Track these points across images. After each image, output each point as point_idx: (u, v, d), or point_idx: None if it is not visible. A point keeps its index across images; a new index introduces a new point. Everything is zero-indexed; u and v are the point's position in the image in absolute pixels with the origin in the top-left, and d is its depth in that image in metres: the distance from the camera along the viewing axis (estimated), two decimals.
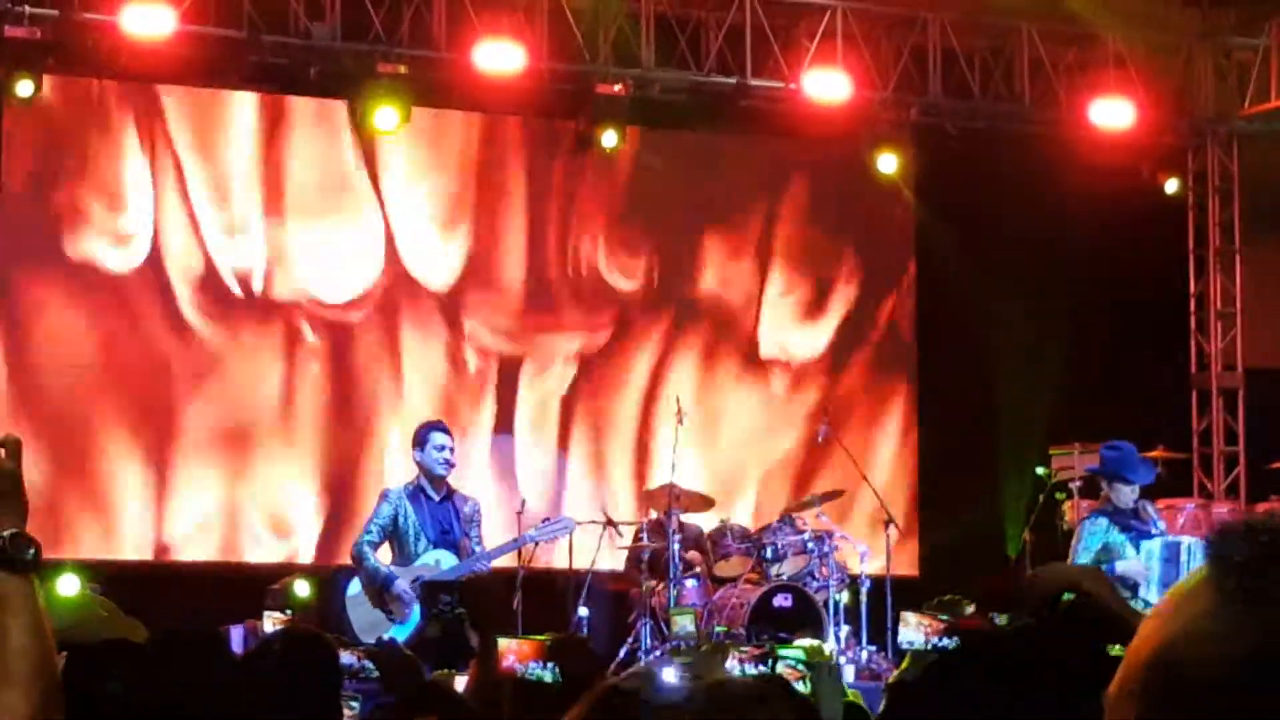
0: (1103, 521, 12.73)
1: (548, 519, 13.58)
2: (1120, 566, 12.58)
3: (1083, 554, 12.71)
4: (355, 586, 12.46)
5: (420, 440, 12.59)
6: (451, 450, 12.58)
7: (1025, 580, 12.94)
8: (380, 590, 12.33)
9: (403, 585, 12.23)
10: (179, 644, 3.77)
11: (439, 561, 12.34)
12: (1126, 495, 12.77)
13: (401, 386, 15.85)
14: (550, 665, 6.21)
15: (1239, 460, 17.28)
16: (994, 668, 3.37)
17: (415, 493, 12.48)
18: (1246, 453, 17.20)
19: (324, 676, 4.14)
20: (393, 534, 12.46)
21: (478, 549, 12.47)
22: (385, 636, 12.06)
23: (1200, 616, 1.47)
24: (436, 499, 12.50)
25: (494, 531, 13.89)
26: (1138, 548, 12.64)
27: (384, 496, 12.64)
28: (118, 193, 15.10)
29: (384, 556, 12.47)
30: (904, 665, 11.94)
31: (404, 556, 12.41)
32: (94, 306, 15.01)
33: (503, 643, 11.38)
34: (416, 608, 12.25)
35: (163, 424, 15.16)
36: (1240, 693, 1.42)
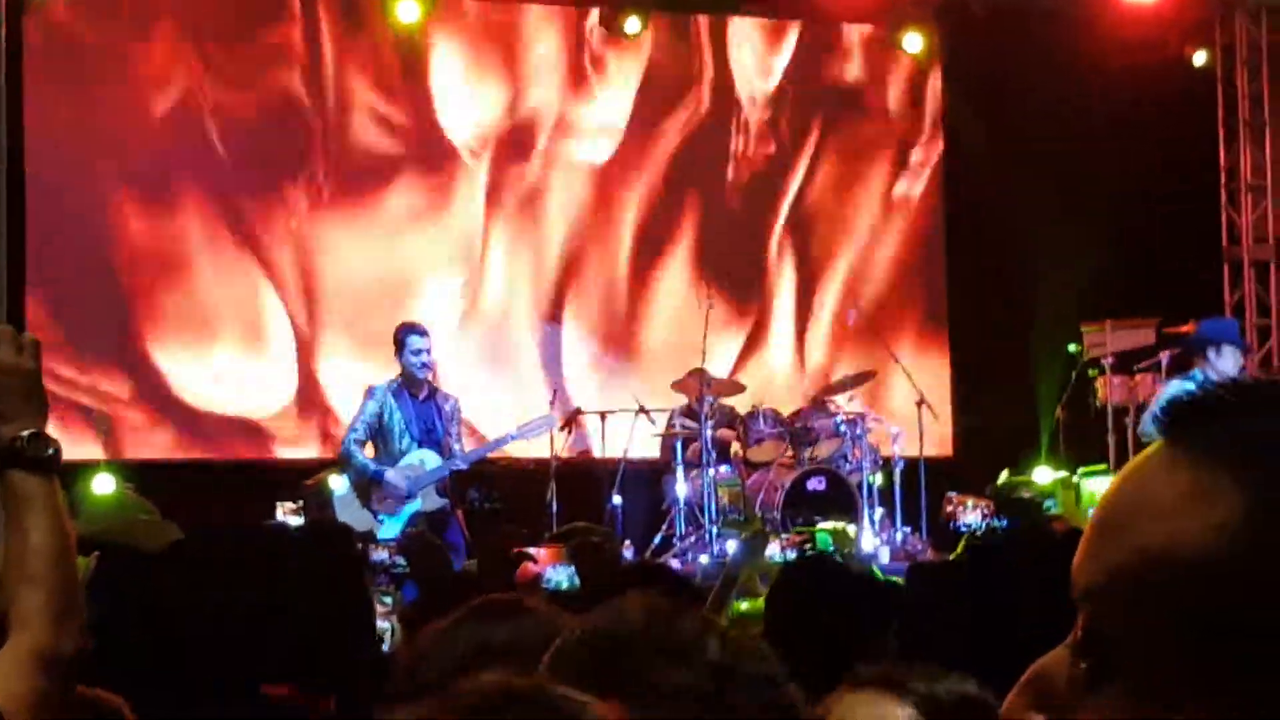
0: (1190, 386, 12.15)
1: (545, 416, 13.52)
2: None
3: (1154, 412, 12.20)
4: (343, 486, 12.51)
5: (399, 342, 12.61)
6: (428, 352, 12.59)
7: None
8: (368, 486, 12.38)
9: (394, 476, 12.27)
10: (203, 546, 3.79)
11: (423, 461, 12.41)
12: (1233, 363, 12.16)
13: (442, 273, 15.80)
14: (569, 570, 6.22)
15: (1271, 332, 17.22)
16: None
17: (400, 390, 12.53)
18: (1279, 324, 17.14)
19: (346, 569, 4.14)
20: (378, 431, 12.51)
21: (457, 446, 12.53)
22: (406, 530, 12.10)
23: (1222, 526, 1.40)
24: (420, 397, 12.54)
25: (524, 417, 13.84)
26: None
27: (369, 393, 12.67)
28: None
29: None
30: (959, 550, 11.95)
31: (389, 453, 12.47)
32: (131, 192, 14.97)
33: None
34: (406, 504, 12.32)
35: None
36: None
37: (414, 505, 12.36)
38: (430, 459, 12.42)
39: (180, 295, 15.02)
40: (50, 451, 2.86)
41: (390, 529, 12.26)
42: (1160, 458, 1.44)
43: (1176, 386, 12.32)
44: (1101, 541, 1.44)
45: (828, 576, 4.98)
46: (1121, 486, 1.46)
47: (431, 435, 12.49)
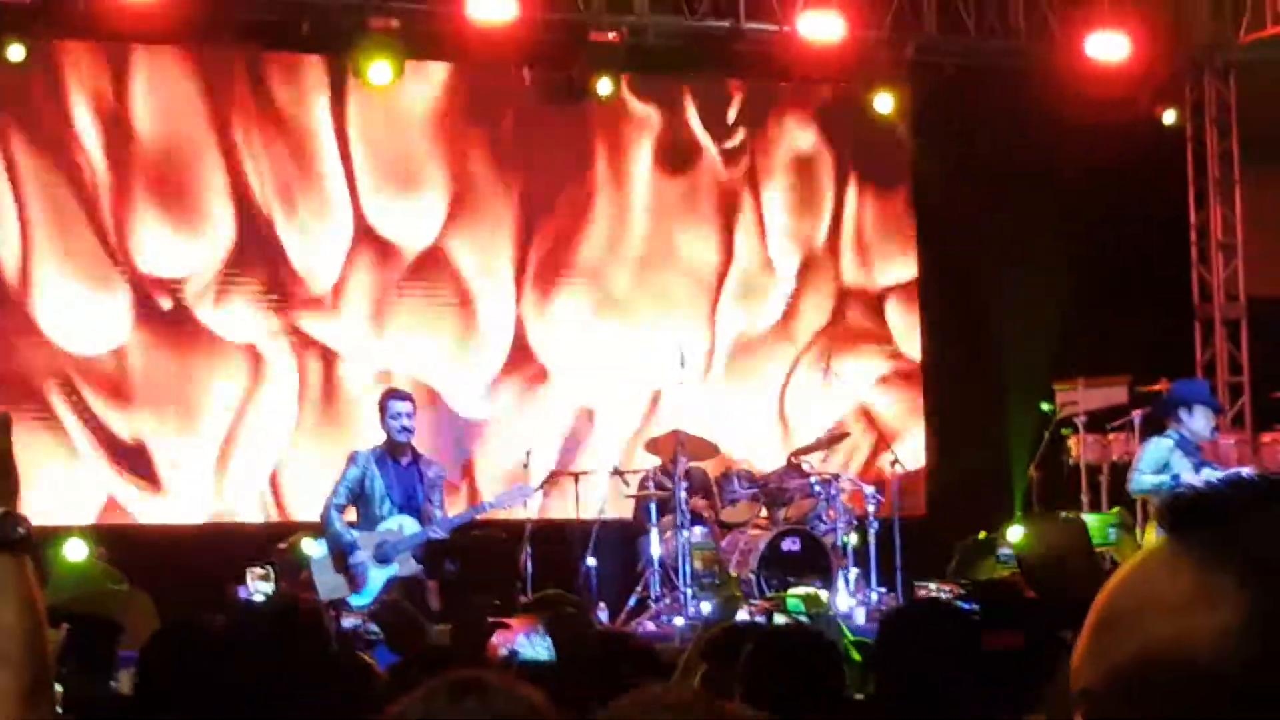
0: (1169, 442, 12.21)
1: (523, 485, 13.62)
2: (1185, 477, 12.25)
3: (1145, 467, 12.24)
4: (321, 549, 12.52)
5: (381, 408, 12.68)
6: (409, 416, 12.63)
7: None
8: (342, 556, 12.41)
9: (361, 558, 12.32)
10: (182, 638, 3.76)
11: (401, 527, 12.43)
12: (1205, 423, 12.27)
13: (409, 340, 15.79)
14: (545, 641, 6.18)
15: (1243, 390, 17.26)
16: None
17: (383, 456, 12.55)
18: (1251, 382, 17.19)
19: (311, 646, 4.09)
20: (359, 496, 12.53)
21: (438, 514, 12.54)
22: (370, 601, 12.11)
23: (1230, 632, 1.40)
24: (402, 464, 12.56)
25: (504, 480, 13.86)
26: (1198, 474, 12.27)
27: (352, 459, 12.70)
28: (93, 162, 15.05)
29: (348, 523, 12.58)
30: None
31: (369, 519, 12.50)
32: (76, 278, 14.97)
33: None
34: (371, 585, 12.32)
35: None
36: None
37: (390, 570, 12.36)
38: (409, 525, 12.44)
39: None
40: (21, 531, 2.83)
41: (365, 596, 12.25)
42: (1163, 556, 1.44)
43: (1155, 442, 12.35)
44: (1103, 640, 1.44)
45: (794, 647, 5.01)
46: (1123, 584, 1.46)
47: (412, 502, 12.52)
